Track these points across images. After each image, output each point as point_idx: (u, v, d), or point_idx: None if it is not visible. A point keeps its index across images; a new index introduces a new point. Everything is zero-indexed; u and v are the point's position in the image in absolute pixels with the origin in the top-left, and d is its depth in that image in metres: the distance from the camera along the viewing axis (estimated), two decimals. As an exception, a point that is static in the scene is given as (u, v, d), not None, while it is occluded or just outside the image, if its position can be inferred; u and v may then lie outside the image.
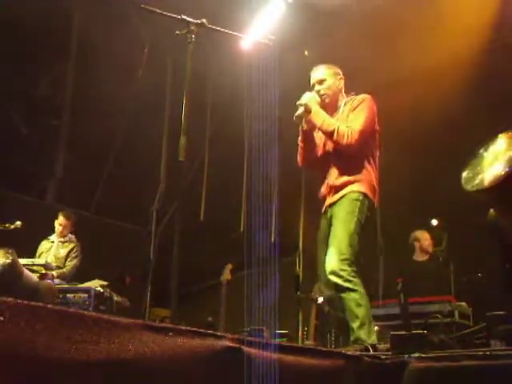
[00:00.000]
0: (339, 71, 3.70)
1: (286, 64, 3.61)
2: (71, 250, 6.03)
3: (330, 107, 3.64)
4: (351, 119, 3.48)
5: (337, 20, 5.88)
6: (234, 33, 3.64)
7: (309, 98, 3.54)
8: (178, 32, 3.13)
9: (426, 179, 6.29)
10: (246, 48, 5.01)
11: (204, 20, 3.16)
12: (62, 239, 6.09)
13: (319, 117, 3.48)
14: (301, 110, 3.52)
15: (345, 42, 5.16)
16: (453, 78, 5.89)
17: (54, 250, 6.01)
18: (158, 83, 7.41)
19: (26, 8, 6.04)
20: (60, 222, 6.08)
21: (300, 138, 3.66)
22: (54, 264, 5.73)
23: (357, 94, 3.65)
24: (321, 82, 3.64)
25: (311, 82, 3.68)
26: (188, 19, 3.11)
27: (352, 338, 3.19)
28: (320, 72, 3.68)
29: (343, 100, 3.65)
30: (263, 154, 4.54)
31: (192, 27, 3.10)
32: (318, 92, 3.61)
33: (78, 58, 7.16)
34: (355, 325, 3.16)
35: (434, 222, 5.79)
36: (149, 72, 7.41)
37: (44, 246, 6.07)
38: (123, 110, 7.76)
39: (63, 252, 5.98)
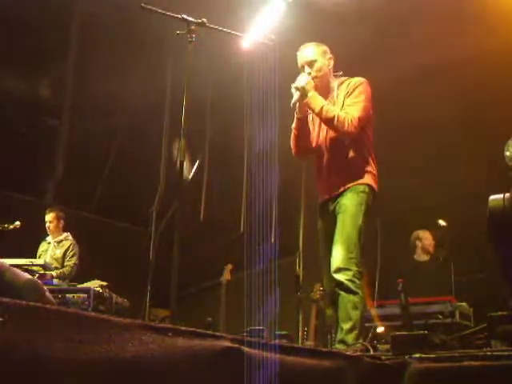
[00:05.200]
0: (327, 49, 3.54)
1: (285, 64, 3.59)
2: (67, 249, 6.01)
3: (322, 88, 3.49)
4: (348, 104, 3.36)
5: (337, 20, 5.87)
6: (234, 32, 3.63)
7: (306, 82, 3.36)
8: (178, 32, 3.12)
9: (427, 178, 6.29)
10: (246, 48, 5.01)
11: (204, 19, 3.16)
12: (58, 239, 6.08)
13: (317, 102, 3.33)
14: (297, 95, 3.37)
15: (345, 42, 5.15)
16: (455, 77, 5.89)
17: (51, 250, 6.00)
18: (158, 83, 7.40)
19: (26, 7, 6.04)
20: (46, 219, 6.10)
21: (294, 125, 3.52)
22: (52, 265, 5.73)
23: (345, 75, 3.55)
24: (311, 63, 3.46)
25: (299, 63, 3.51)
26: (188, 19, 3.11)
27: (339, 338, 3.15)
28: (309, 52, 3.49)
29: (335, 81, 3.53)
30: (263, 153, 4.53)
31: (192, 27, 3.10)
32: (309, 75, 3.44)
33: (78, 57, 7.16)
34: (346, 326, 3.11)
35: (442, 223, 5.77)
36: (149, 72, 7.41)
37: (42, 247, 6.09)
38: (123, 110, 7.75)
39: (59, 252, 5.97)
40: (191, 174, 7.83)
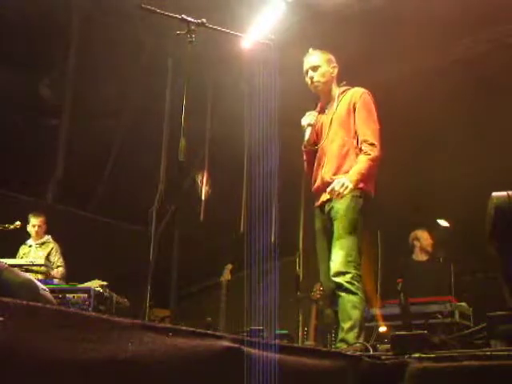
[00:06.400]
0: (333, 58, 3.63)
1: (286, 64, 3.60)
2: (50, 251, 5.94)
3: (323, 94, 3.62)
4: (361, 125, 3.44)
5: (337, 20, 5.88)
6: (234, 32, 3.63)
7: (314, 117, 3.55)
8: (178, 32, 3.12)
9: (427, 178, 6.29)
10: (246, 48, 5.01)
11: (204, 20, 3.15)
12: (40, 241, 6.01)
13: (355, 174, 3.32)
14: (309, 130, 3.51)
15: (345, 42, 5.16)
16: (453, 76, 5.89)
17: (33, 253, 5.91)
18: (158, 83, 7.40)
19: (26, 8, 6.04)
20: (34, 222, 6.00)
21: (305, 158, 3.65)
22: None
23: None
24: (315, 68, 3.57)
25: (304, 68, 3.61)
26: (188, 19, 3.10)
27: (339, 337, 3.20)
28: (314, 58, 3.60)
29: (337, 90, 3.61)
30: (263, 153, 4.53)
31: (192, 27, 3.10)
32: (312, 79, 3.56)
33: (78, 57, 7.16)
34: (346, 326, 3.15)
35: (442, 223, 5.78)
36: (149, 72, 7.41)
37: (22, 251, 6.00)
38: (123, 110, 7.76)
39: (42, 254, 5.87)
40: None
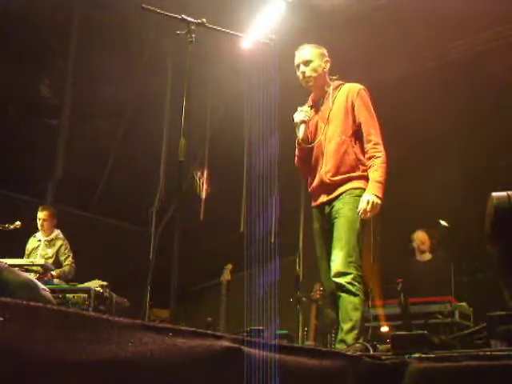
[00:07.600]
0: (325, 52, 3.58)
1: (286, 64, 3.59)
2: (59, 248, 5.93)
3: (315, 89, 3.58)
4: (364, 125, 3.41)
5: (337, 20, 5.88)
6: (234, 32, 3.62)
7: (307, 113, 3.50)
8: (178, 32, 3.12)
9: (427, 178, 6.29)
10: (246, 48, 5.01)
11: (204, 20, 3.15)
12: (48, 238, 5.97)
13: (377, 184, 3.29)
14: (303, 127, 3.47)
15: (345, 42, 5.16)
16: (453, 76, 5.89)
17: (41, 250, 5.88)
18: (158, 83, 7.41)
19: (26, 8, 6.05)
20: (39, 216, 5.95)
21: (298, 154, 3.60)
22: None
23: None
24: (306, 62, 3.51)
25: (296, 62, 3.56)
26: (188, 19, 3.10)
27: (339, 338, 3.20)
28: (306, 52, 3.54)
29: (330, 85, 3.57)
30: (263, 153, 4.53)
31: (192, 27, 3.09)
32: (304, 74, 3.51)
33: (78, 57, 7.17)
34: (346, 326, 3.15)
35: (443, 223, 5.79)
36: (149, 72, 7.41)
37: (32, 244, 5.97)
38: (123, 110, 7.77)
39: (51, 252, 5.86)
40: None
